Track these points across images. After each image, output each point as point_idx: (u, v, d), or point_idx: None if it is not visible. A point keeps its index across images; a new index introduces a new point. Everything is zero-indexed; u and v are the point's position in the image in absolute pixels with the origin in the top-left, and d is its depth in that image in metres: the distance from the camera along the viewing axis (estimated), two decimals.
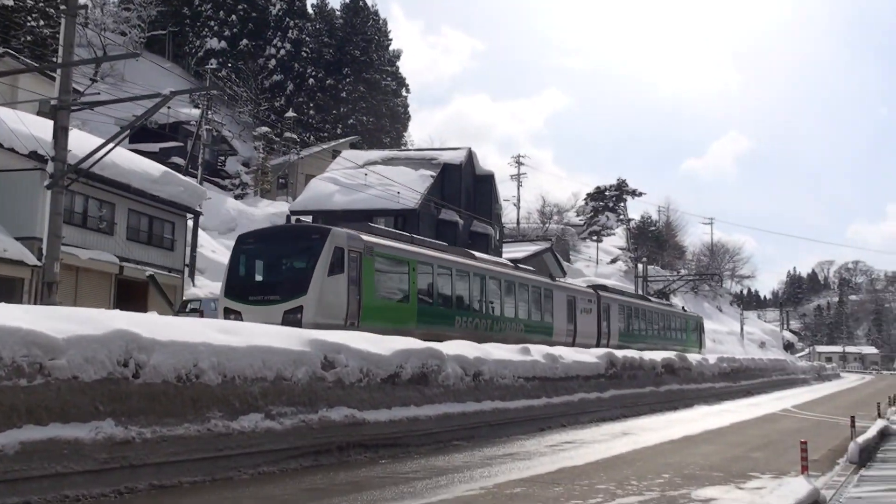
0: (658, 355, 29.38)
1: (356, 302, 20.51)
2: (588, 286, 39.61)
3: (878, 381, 73.85)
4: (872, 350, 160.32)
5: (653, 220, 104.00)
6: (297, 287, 19.58)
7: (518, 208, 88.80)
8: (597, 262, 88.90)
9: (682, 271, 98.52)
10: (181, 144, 53.35)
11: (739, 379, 39.25)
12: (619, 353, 25.33)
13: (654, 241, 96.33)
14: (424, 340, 16.35)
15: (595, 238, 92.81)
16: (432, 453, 13.57)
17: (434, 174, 42.07)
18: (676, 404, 27.72)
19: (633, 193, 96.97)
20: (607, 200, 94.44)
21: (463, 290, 25.83)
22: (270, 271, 20.94)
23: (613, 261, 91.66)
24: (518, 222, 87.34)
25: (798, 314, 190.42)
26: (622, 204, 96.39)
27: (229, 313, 19.68)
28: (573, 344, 30.87)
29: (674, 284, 75.74)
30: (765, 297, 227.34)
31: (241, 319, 18.13)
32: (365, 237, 21.66)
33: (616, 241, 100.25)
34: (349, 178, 40.24)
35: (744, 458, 14.09)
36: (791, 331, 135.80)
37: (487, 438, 15.91)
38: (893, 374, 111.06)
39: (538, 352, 20.36)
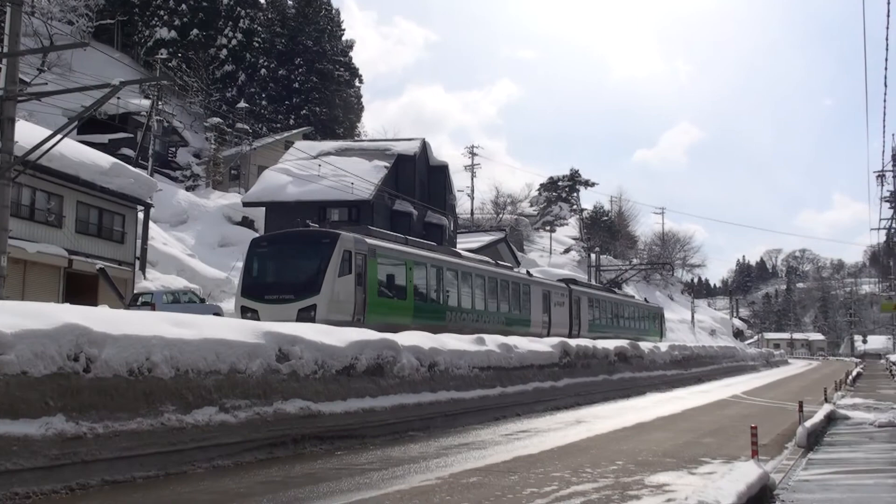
0: (611, 344, 29.68)
1: (362, 300, 22.48)
2: (560, 280, 41.51)
3: (825, 366, 75.39)
4: (819, 336, 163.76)
5: (605, 210, 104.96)
6: (310, 287, 21.53)
7: (472, 199, 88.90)
8: (550, 252, 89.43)
9: (635, 260, 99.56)
10: (131, 135, 52.56)
11: (690, 366, 39.83)
12: (573, 343, 25.56)
13: (606, 230, 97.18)
14: (415, 328, 18.26)
15: (548, 228, 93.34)
16: (388, 444, 13.57)
17: (388, 165, 41.95)
18: (629, 392, 28.04)
19: (586, 184, 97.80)
20: (560, 191, 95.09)
21: (452, 288, 27.93)
22: (284, 272, 22.54)
23: (567, 251, 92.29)
24: (472, 213, 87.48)
25: (747, 302, 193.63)
26: (575, 194, 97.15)
27: (246, 311, 21.51)
28: (549, 334, 32.70)
29: (626, 274, 76.44)
30: (715, 285, 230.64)
31: (258, 317, 19.54)
32: (368, 240, 23.59)
33: (569, 231, 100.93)
34: (302, 169, 39.99)
35: (695, 443, 14.30)
36: (740, 318, 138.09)
37: (443, 429, 15.95)
38: (839, 359, 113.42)
39: (493, 342, 20.45)
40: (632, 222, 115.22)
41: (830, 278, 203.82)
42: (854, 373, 46.03)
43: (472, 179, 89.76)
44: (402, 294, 24.99)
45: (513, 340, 21.85)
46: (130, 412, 9.99)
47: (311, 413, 12.86)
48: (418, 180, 44.02)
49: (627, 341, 32.73)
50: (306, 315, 20.57)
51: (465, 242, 51.72)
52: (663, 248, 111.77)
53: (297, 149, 45.62)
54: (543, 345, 23.54)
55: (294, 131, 67.32)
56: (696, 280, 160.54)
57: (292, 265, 22.62)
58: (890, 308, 39.86)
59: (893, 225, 44.74)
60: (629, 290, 73.67)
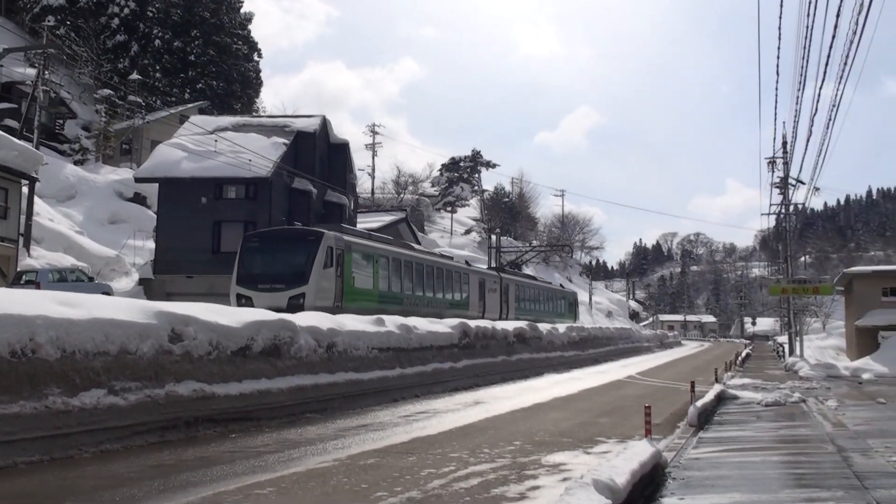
0: (510, 325, 30.04)
1: (340, 289, 26.38)
2: (490, 269, 47.11)
3: (716, 347, 78.11)
4: (711, 318, 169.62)
5: (506, 191, 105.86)
6: (299, 278, 25.24)
7: (373, 178, 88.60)
8: (451, 233, 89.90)
9: (535, 242, 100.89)
10: (15, 106, 50.44)
11: (587, 347, 40.69)
12: (473, 323, 25.76)
13: (507, 212, 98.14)
14: (380, 312, 22.01)
15: (450, 209, 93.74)
16: (285, 426, 13.46)
17: (287, 142, 41.35)
18: (527, 373, 28.47)
19: (488, 165, 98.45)
20: (462, 171, 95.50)
21: (408, 277, 31.98)
22: (275, 265, 25.97)
23: (467, 231, 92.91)
24: (373, 192, 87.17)
25: (643, 284, 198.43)
26: (477, 175, 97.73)
27: (241, 298, 25.17)
28: (483, 317, 37.12)
29: (526, 255, 77.45)
30: (612, 267, 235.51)
31: (252, 304, 23.16)
32: (346, 237, 27.59)
33: (470, 212, 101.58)
34: (198, 144, 39.08)
35: (591, 423, 14.63)
36: (636, 300, 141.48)
37: (341, 410, 15.90)
38: (730, 341, 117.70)
39: (392, 322, 20.46)
40: (532, 204, 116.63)
41: (723, 262, 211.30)
42: (743, 354, 47.83)
43: (374, 158, 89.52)
44: (369, 283, 28.88)
45: (412, 321, 21.91)
46: (12, 395, 9.64)
47: (204, 395, 12.64)
48: (318, 158, 43.55)
49: (526, 322, 33.19)
50: (296, 302, 24.30)
51: (366, 222, 51.47)
52: (563, 230, 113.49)
53: (193, 123, 44.53)
54: (443, 326, 23.66)
55: (189, 105, 65.61)
56: (594, 262, 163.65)
57: (283, 258, 26.12)
58: (777, 291, 41.54)
59: (782, 210, 46.53)
60: (528, 271, 74.64)
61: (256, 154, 37.99)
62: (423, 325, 22.35)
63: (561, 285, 67.39)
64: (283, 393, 14.61)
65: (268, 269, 25.94)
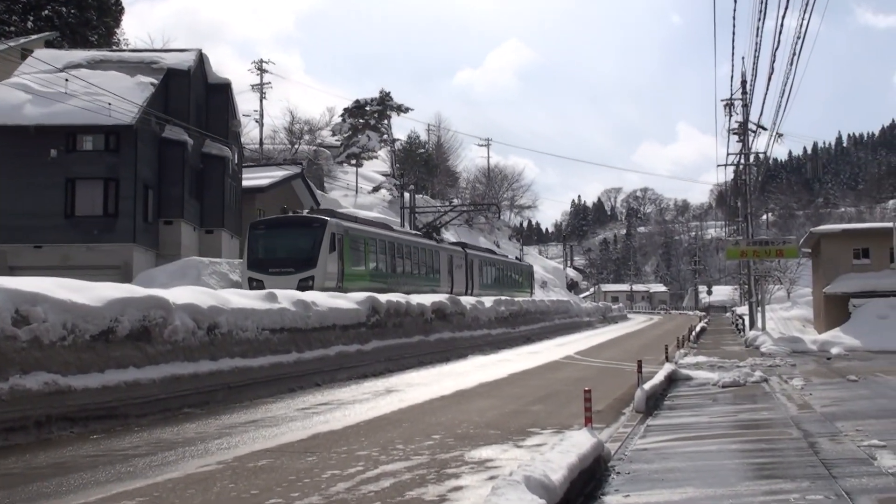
0: (427, 299, 30.18)
1: (341, 270, 33.38)
2: (453, 244, 53.54)
3: (667, 321, 79.83)
4: (661, 288, 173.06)
5: (421, 141, 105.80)
6: (308, 262, 32.09)
7: (261, 126, 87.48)
8: (356, 191, 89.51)
9: (455, 201, 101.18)
10: None
11: (519, 324, 41.17)
12: (383, 298, 25.80)
13: (422, 165, 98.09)
14: (371, 290, 28.22)
15: (354, 162, 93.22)
16: (158, 424, 13.33)
17: (155, 82, 40.50)
18: (449, 355, 28.68)
19: (399, 109, 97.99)
20: (368, 117, 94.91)
21: (391, 257, 39.53)
22: (284, 250, 32.80)
23: (376, 189, 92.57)
24: (261, 143, 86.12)
25: (583, 249, 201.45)
26: (386, 122, 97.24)
27: (252, 282, 31.50)
28: (451, 292, 42.79)
29: (446, 216, 77.65)
30: (547, 230, 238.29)
31: (264, 287, 27.55)
32: (344, 223, 34.97)
33: (379, 165, 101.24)
34: (45, 84, 37.97)
35: (523, 412, 14.83)
36: (575, 268, 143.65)
37: (226, 404, 15.81)
38: (683, 313, 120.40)
39: (287, 298, 20.36)
40: (452, 156, 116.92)
41: (674, 221, 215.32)
42: (698, 328, 49.01)
43: (262, 102, 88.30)
44: (362, 264, 36.04)
45: (310, 296, 21.84)
46: None
47: (58, 389, 12.42)
48: (194, 102, 42.80)
49: (446, 296, 33.42)
50: (305, 284, 30.14)
51: (254, 179, 50.92)
52: (489, 186, 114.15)
53: (38, 59, 43.18)
54: (348, 301, 23.64)
55: (34, 37, 63.56)
56: (525, 224, 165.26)
57: (291, 244, 32.85)
58: (735, 255, 42.38)
59: (741, 160, 47.53)
60: (449, 235, 74.94)
61: (118, 97, 37.11)
62: (324, 300, 22.30)
63: (517, 258, 77.35)
64: (155, 384, 14.44)
65: (277, 255, 32.74)
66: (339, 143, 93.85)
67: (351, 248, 34.71)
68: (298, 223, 34.13)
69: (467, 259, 51.14)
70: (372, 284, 34.53)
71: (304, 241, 32.68)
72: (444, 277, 46.64)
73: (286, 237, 33.26)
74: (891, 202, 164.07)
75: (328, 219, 33.70)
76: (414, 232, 48.86)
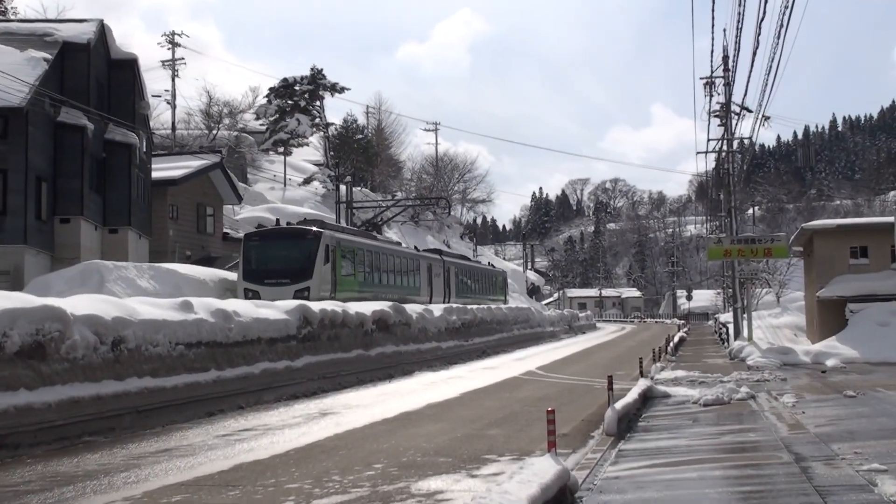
0: (367, 308, 30.11)
1: (334, 281, 38.48)
2: (429, 251, 58.35)
3: (641, 331, 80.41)
4: (635, 293, 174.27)
5: (360, 125, 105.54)
6: (304, 273, 37.05)
7: (174, 108, 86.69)
8: (285, 183, 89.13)
9: (399, 194, 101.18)
10: None
11: (473, 336, 41.24)
12: (316, 307, 25.75)
13: (361, 153, 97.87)
14: (360, 300, 34.39)
15: (282, 150, 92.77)
16: (55, 455, 13.21)
17: (50, 57, 40.01)
18: (393, 371, 28.69)
19: (333, 89, 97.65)
20: (298, 98, 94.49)
21: (377, 266, 45.12)
22: (280, 261, 37.76)
23: (307, 180, 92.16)
24: (174, 127, 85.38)
25: (545, 249, 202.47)
26: (318, 103, 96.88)
27: (248, 292, 35.87)
28: (430, 301, 48.65)
29: (388, 212, 77.72)
30: (504, 227, 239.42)
31: (260, 297, 31.61)
32: (337, 235, 40.50)
33: (310, 153, 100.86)
34: None
35: (478, 437, 14.86)
36: (537, 270, 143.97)
37: (135, 430, 15.68)
38: (659, 321, 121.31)
39: (204, 307, 20.23)
40: (395, 142, 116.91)
41: (649, 217, 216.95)
42: (676, 338, 49.30)
43: (174, 81, 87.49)
44: (352, 274, 41.35)
45: (232, 305, 21.73)
46: None
47: None
48: (95, 80, 42.35)
49: (390, 303, 33.32)
50: (301, 295, 34.20)
51: (165, 170, 50.50)
52: (437, 177, 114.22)
53: None
54: (276, 310, 23.56)
55: None
56: (479, 220, 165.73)
57: (287, 256, 37.97)
58: (718, 255, 42.46)
59: (724, 147, 47.97)
60: (391, 234, 74.92)
61: (5, 74, 36.65)
62: (248, 309, 22.21)
63: (490, 263, 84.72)
64: (51, 409, 14.28)
65: (273, 266, 37.57)
66: (264, 128, 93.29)
67: (342, 259, 40.01)
68: (293, 234, 39.42)
69: (445, 267, 56.55)
70: (361, 294, 39.85)
71: (300, 252, 37.86)
72: (424, 286, 52.00)
73: (281, 248, 38.47)
74: (891, 193, 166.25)
75: (323, 230, 39.09)
76: (395, 241, 57.02)
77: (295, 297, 30.86)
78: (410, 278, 50.14)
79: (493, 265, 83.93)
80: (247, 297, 32.92)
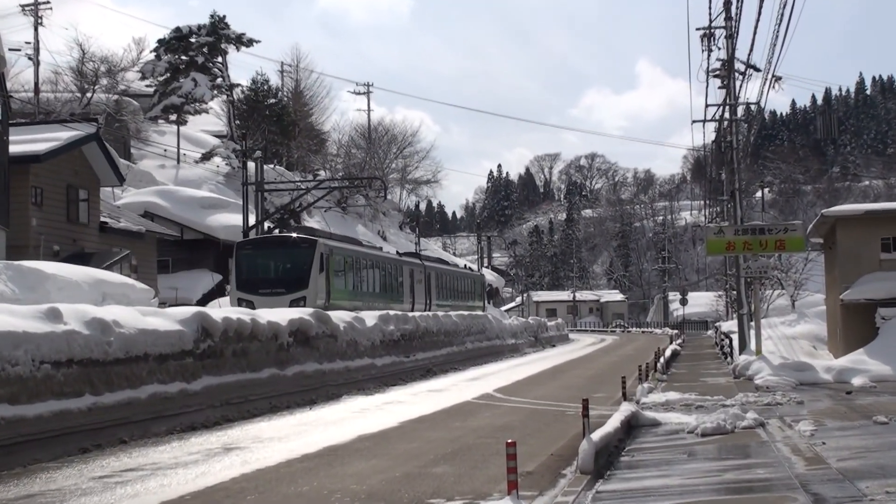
0: (283, 316, 30.00)
1: (328, 289, 45.07)
2: (405, 254, 66.54)
3: (625, 343, 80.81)
4: (616, 296, 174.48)
5: (272, 87, 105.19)
6: (299, 282, 43.80)
7: (37, 65, 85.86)
8: (178, 160, 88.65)
9: (322, 173, 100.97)
10: None
11: (415, 350, 41.26)
12: (218, 315, 25.62)
13: (274, 122, 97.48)
14: (351, 308, 42.01)
15: (175, 118, 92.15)
16: None
17: None
18: (315, 395, 28.68)
19: (239, 41, 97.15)
20: (195, 53, 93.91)
21: (363, 273, 52.40)
22: (274, 270, 45.53)
23: (207, 156, 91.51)
24: (37, 89, 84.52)
25: (506, 242, 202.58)
26: (220, 59, 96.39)
27: (242, 302, 41.69)
28: (413, 309, 56.15)
29: (309, 195, 77.28)
30: (455, 214, 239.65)
31: (254, 307, 35.15)
32: (329, 243, 47.17)
33: (210, 122, 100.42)
34: None
35: (422, 476, 14.86)
36: (495, 269, 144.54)
37: None
38: (648, 331, 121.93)
39: (76, 316, 20.06)
40: (317, 109, 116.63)
41: (634, 202, 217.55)
42: (668, 352, 49.57)
43: (37, 30, 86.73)
44: (343, 283, 48.41)
45: (111, 313, 21.55)
46: None
47: None
48: None
49: (311, 310, 33.25)
50: (296, 304, 40.52)
51: (26, 142, 49.95)
52: (370, 152, 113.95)
53: None
54: (167, 319, 23.41)
55: None
56: (423, 206, 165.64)
57: (281, 265, 45.46)
58: (719, 248, 42.19)
59: (725, 114, 48.12)
60: (313, 223, 74.72)
61: None
62: (131, 318, 22.02)
63: (467, 266, 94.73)
64: None
65: (267, 275, 45.29)
66: (152, 90, 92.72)
67: (335, 268, 47.17)
68: (287, 243, 46.50)
69: (425, 272, 64.78)
70: (352, 303, 46.94)
71: (295, 261, 44.87)
72: (406, 293, 60.09)
73: (276, 257, 46.11)
74: None
75: (318, 239, 46.28)
76: (377, 246, 66.42)
77: (290, 306, 37.20)
78: (394, 285, 57.83)
79: (470, 267, 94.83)
80: (240, 307, 37.66)
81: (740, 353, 43.99)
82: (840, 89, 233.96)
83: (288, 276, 44.50)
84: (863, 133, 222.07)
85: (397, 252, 66.01)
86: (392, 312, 41.56)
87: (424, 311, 57.34)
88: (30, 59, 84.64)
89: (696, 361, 50.89)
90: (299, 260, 44.43)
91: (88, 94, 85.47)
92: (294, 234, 48.65)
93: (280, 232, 52.56)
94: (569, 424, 20.76)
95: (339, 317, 34.79)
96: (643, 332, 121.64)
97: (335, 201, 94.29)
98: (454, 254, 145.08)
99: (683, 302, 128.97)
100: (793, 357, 40.22)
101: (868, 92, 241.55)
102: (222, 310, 27.41)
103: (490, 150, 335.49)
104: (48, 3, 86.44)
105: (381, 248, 65.33)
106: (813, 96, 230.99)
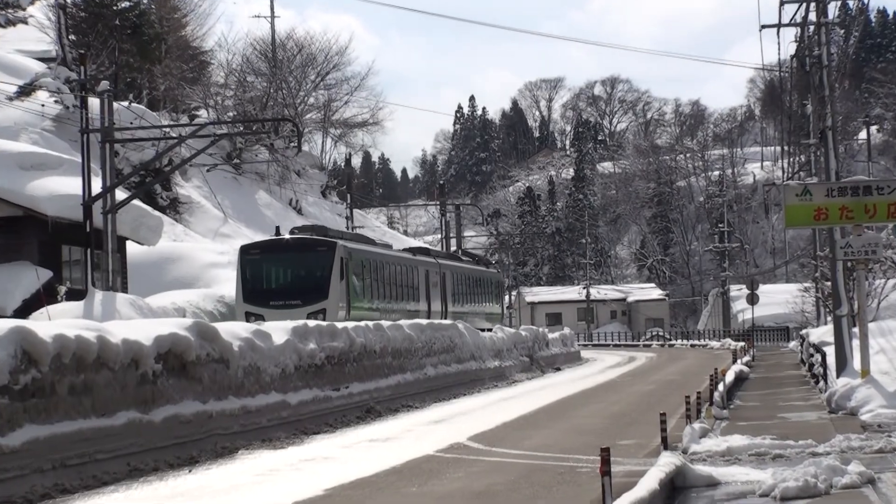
0: (146, 333, 29.67)
1: (348, 299, 55.51)
2: (411, 250, 77.95)
3: (666, 362, 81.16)
4: (652, 293, 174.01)
5: None
6: (318, 293, 53.45)
7: None
8: None
9: (204, 113, 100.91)
10: None
11: (348, 379, 41.03)
12: (47, 333, 25.27)
13: (129, 37, 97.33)
14: (370, 319, 50.85)
15: None
16: None
17: None
18: (198, 451, 28.52)
19: None
20: None
21: (381, 276, 62.69)
22: (288, 279, 55.51)
23: (27, 90, 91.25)
24: None
25: (483, 213, 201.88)
26: None
27: (250, 316, 49.88)
28: (429, 315, 66.98)
29: (183, 147, 76.93)
30: (405, 172, 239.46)
31: (264, 322, 40.93)
32: (349, 245, 57.55)
33: (31, 39, 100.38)
34: None
35: None
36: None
37: None
38: (699, 345, 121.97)
39: None
40: (195, 18, 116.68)
41: (675, 149, 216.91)
42: (731, 375, 49.67)
43: None
44: (363, 289, 57.93)
45: None
46: None
47: None
48: None
49: (189, 322, 33.00)
50: (315, 318, 45.84)
51: None
52: (275, 81, 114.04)
53: None
54: None
55: None
56: (358, 161, 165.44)
57: (296, 272, 54.12)
58: (805, 218, 41.56)
59: (810, 17, 48.20)
60: (190, 191, 74.82)
61: None
62: None
63: (483, 260, 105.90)
64: None
65: (280, 285, 54.10)
66: None
67: (354, 273, 56.40)
68: (302, 246, 55.30)
69: (440, 271, 77.03)
70: (372, 313, 55.67)
71: (312, 267, 54.16)
72: (422, 297, 71.67)
73: (289, 263, 55.15)
74: None
75: (337, 241, 55.58)
76: (388, 243, 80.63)
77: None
78: (411, 288, 69.54)
79: (488, 261, 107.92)
80: (248, 322, 43.40)
81: (838, 376, 44.08)
82: None
83: (304, 284, 52.49)
84: None
85: (411, 250, 76.78)
86: (312, 323, 41.36)
87: (441, 317, 67.06)
88: None
89: (773, 388, 51.12)
90: (317, 265, 52.53)
91: None
92: (310, 236, 56.29)
93: (292, 233, 58.31)
94: (581, 487, 20.79)
95: (232, 331, 34.36)
96: (692, 345, 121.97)
97: (224, 156, 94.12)
98: (405, 232, 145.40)
99: (753, 299, 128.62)
100: None
101: None
102: (56, 323, 26.99)
103: (458, 74, 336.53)
104: None
105: (391, 246, 77.07)
106: None
